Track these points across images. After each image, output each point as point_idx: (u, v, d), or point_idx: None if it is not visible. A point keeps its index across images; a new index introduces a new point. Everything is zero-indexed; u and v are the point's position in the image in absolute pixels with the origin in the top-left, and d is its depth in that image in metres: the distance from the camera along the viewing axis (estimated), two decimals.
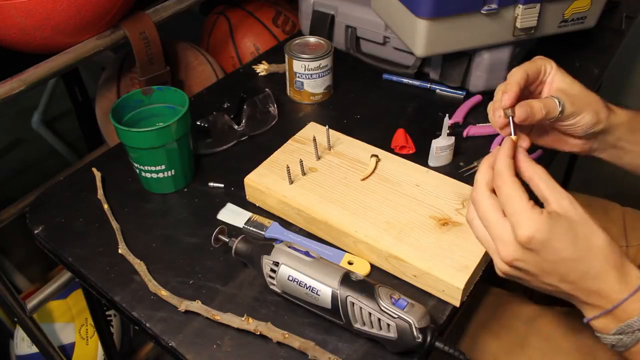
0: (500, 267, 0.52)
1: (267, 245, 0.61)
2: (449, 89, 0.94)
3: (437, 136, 0.78)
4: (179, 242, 0.70)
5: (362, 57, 0.99)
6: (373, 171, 0.73)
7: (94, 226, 0.72)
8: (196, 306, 0.61)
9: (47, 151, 1.82)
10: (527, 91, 0.60)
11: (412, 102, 0.93)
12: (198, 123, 0.81)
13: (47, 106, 1.80)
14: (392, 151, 0.80)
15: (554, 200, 0.50)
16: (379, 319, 0.54)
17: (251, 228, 0.71)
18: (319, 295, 0.57)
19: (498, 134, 0.74)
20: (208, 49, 1.27)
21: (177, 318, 0.61)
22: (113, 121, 0.70)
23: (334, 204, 0.68)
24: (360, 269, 0.65)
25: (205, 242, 0.68)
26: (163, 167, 0.73)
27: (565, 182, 1.67)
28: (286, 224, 0.71)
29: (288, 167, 0.70)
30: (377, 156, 0.74)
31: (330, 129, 0.77)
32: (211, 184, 0.77)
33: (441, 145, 0.77)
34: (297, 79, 0.90)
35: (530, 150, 0.62)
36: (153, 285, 0.64)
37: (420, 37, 0.82)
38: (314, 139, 0.74)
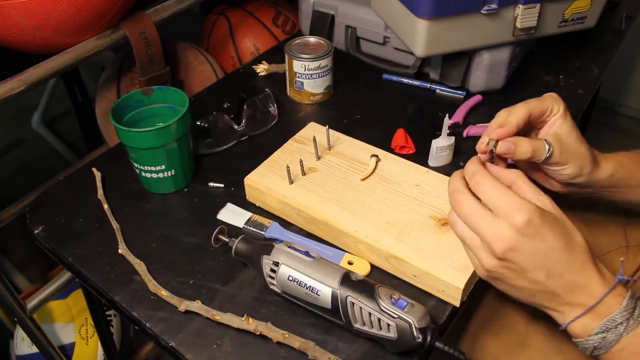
0: (488, 264, 0.51)
1: (267, 245, 0.61)
2: (449, 89, 0.94)
3: (437, 136, 0.78)
4: (179, 242, 0.70)
5: (362, 57, 0.99)
6: (373, 171, 0.73)
7: (94, 226, 0.72)
8: (196, 306, 0.61)
9: (47, 151, 1.82)
10: (528, 122, 0.61)
11: (412, 102, 0.93)
12: (198, 123, 0.81)
13: (47, 106, 1.80)
14: (392, 151, 0.80)
15: (536, 199, 0.51)
16: (379, 319, 0.54)
17: (251, 228, 0.71)
18: (319, 295, 0.57)
19: None
20: (208, 49, 1.27)
21: (177, 318, 0.61)
22: (113, 121, 0.70)
23: (334, 204, 0.68)
24: (360, 269, 0.65)
25: (205, 242, 0.68)
26: (163, 167, 0.73)
27: None
28: (286, 224, 0.71)
29: (288, 167, 0.70)
30: (377, 156, 0.74)
31: (330, 129, 0.77)
32: (211, 184, 0.77)
33: (441, 145, 0.77)
34: (297, 79, 0.90)
35: None
36: (153, 285, 0.64)
37: (420, 37, 0.82)
38: (314, 139, 0.74)
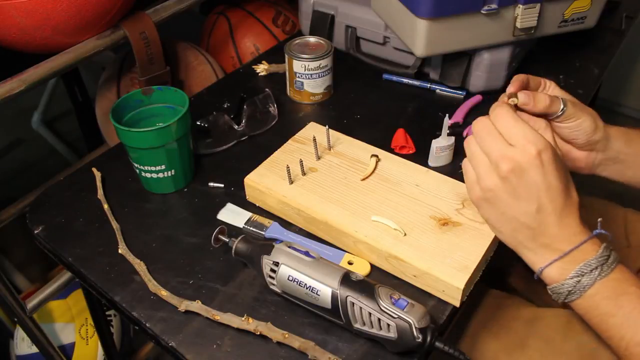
0: (489, 181, 0.54)
1: (267, 245, 0.61)
2: (449, 89, 0.94)
3: (437, 136, 0.78)
4: (179, 242, 0.70)
5: (362, 57, 0.99)
6: (373, 171, 0.73)
7: (94, 226, 0.72)
8: (196, 306, 0.61)
9: (47, 151, 1.82)
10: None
11: (412, 102, 0.93)
12: (198, 123, 0.81)
13: (47, 106, 1.80)
14: (392, 151, 0.80)
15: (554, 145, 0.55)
16: (379, 319, 0.54)
17: (251, 228, 0.71)
18: (319, 295, 0.57)
19: None
20: (208, 49, 1.27)
21: (177, 318, 0.61)
22: (113, 121, 0.70)
23: (334, 204, 0.68)
24: (360, 269, 0.65)
25: (205, 242, 0.68)
26: (163, 167, 0.73)
27: None
28: (286, 224, 0.71)
29: (288, 167, 0.70)
30: (377, 156, 0.74)
31: (330, 129, 0.77)
32: (211, 184, 0.77)
33: (441, 145, 0.77)
34: (297, 79, 0.90)
35: None
36: (153, 285, 0.64)
37: (420, 37, 0.82)
38: (314, 139, 0.74)
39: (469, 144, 0.56)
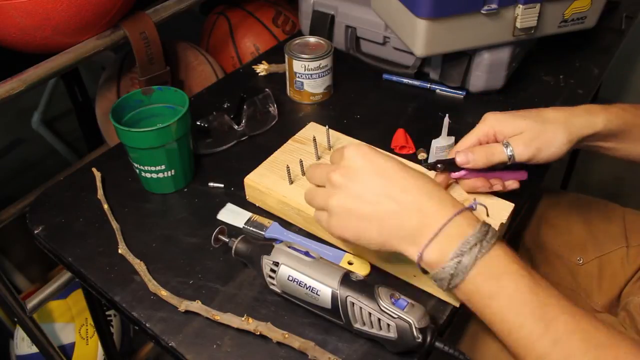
0: (329, 199, 0.55)
1: (267, 245, 0.61)
2: (449, 89, 0.94)
3: (437, 136, 0.78)
4: (179, 242, 0.70)
5: (362, 57, 0.99)
6: None
7: (94, 226, 0.72)
8: (196, 306, 0.61)
9: (47, 151, 1.82)
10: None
11: (412, 102, 0.93)
12: (198, 123, 0.81)
13: (47, 106, 1.80)
14: (392, 151, 0.80)
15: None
16: (379, 319, 0.54)
17: (251, 228, 0.71)
18: (318, 295, 0.57)
19: None
20: (208, 49, 1.27)
21: (177, 318, 0.61)
22: (113, 121, 0.70)
23: None
24: (360, 269, 0.65)
25: (205, 242, 0.68)
26: (163, 167, 0.73)
27: (565, 183, 1.67)
28: (286, 224, 0.71)
29: (288, 167, 0.70)
30: None
31: (330, 129, 0.77)
32: (211, 184, 0.77)
33: (441, 145, 0.77)
34: (297, 79, 0.90)
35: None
36: (153, 285, 0.64)
37: (420, 37, 0.82)
38: (314, 139, 0.74)
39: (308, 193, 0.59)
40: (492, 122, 0.63)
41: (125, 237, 0.70)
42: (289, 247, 0.60)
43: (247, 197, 0.75)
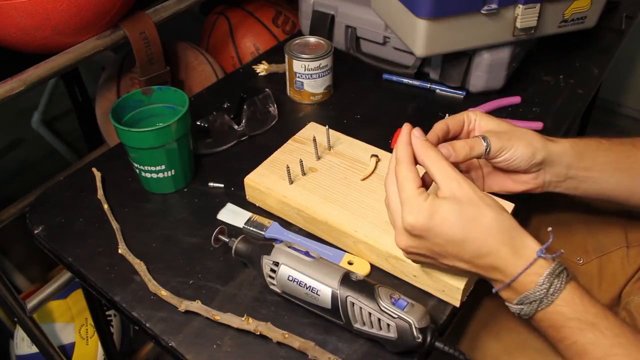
0: (402, 245, 0.56)
1: (267, 245, 0.61)
2: (449, 89, 0.94)
3: None
4: (179, 242, 0.70)
5: (362, 57, 0.99)
6: (373, 171, 0.73)
7: (94, 226, 0.72)
8: (196, 306, 0.61)
9: (47, 151, 1.82)
10: (452, 134, 0.64)
11: (412, 102, 0.93)
12: (198, 123, 0.81)
13: (47, 106, 1.80)
14: (392, 151, 0.80)
15: (442, 183, 0.53)
16: (379, 319, 0.54)
17: (251, 228, 0.71)
18: (318, 295, 0.57)
19: None
20: (208, 49, 1.27)
21: (177, 318, 0.61)
22: (113, 121, 0.70)
23: (334, 204, 0.68)
24: (360, 269, 0.65)
25: (205, 242, 0.68)
26: (163, 167, 0.73)
27: None
28: (286, 224, 0.71)
29: (288, 167, 0.70)
30: (377, 156, 0.74)
31: (330, 129, 0.77)
32: (211, 184, 0.77)
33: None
34: (297, 79, 0.90)
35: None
36: (153, 285, 0.64)
37: (420, 37, 0.82)
38: (314, 139, 0.74)
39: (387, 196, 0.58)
40: (473, 115, 0.63)
41: (125, 237, 0.70)
42: (289, 247, 0.60)
43: (247, 197, 0.75)
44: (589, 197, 0.67)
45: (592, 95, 1.07)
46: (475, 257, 0.53)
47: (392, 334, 0.54)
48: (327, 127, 0.77)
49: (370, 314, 0.54)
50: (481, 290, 0.72)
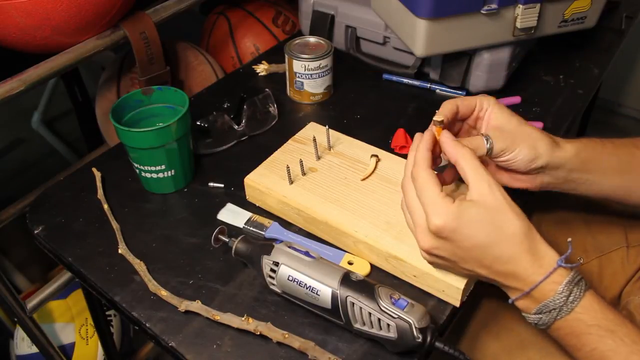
0: (422, 253, 0.56)
1: (267, 245, 0.61)
2: (449, 89, 0.94)
3: None
4: (179, 242, 0.70)
5: (362, 57, 0.99)
6: (373, 171, 0.73)
7: (94, 226, 0.72)
8: (196, 306, 0.61)
9: (47, 151, 1.82)
10: (467, 125, 0.64)
11: (412, 102, 0.93)
12: (198, 123, 0.81)
13: (47, 106, 1.80)
14: (392, 151, 0.80)
15: (473, 184, 0.53)
16: (379, 319, 0.54)
17: (251, 228, 0.71)
18: (318, 295, 0.57)
19: None
20: (208, 49, 1.27)
21: (177, 318, 0.61)
22: (113, 121, 0.70)
23: (334, 204, 0.68)
24: (360, 269, 0.65)
25: (205, 242, 0.68)
26: (163, 167, 0.73)
27: None
28: (286, 224, 0.71)
29: (288, 167, 0.70)
30: (377, 156, 0.74)
31: (330, 129, 0.77)
32: (211, 184, 0.77)
33: None
34: (297, 79, 0.90)
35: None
36: (153, 285, 0.64)
37: (420, 37, 0.82)
38: (314, 139, 0.74)
39: (404, 214, 0.59)
40: (487, 103, 0.62)
41: (125, 237, 0.70)
42: (289, 247, 0.60)
43: (247, 197, 0.75)
44: (588, 197, 0.67)
45: (592, 95, 1.07)
46: (496, 263, 0.52)
47: (392, 334, 0.54)
48: (327, 127, 0.77)
49: (370, 314, 0.54)
50: (481, 290, 0.72)
